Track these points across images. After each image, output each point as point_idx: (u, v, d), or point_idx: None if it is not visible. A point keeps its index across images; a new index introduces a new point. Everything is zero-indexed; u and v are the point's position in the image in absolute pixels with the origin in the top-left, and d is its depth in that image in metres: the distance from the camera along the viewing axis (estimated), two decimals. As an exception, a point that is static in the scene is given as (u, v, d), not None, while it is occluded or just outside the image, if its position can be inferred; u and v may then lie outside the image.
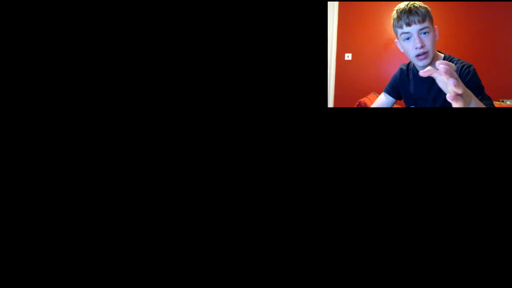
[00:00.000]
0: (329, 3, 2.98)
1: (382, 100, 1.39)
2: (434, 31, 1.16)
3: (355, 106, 2.59)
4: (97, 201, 1.11)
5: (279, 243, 1.11)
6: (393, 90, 1.36)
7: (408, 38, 1.15)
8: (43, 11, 1.10)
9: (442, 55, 1.23)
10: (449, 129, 1.10)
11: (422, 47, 1.13)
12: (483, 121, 1.10)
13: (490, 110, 1.09)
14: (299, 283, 1.10)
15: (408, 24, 1.12)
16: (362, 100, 2.56)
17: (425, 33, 1.13)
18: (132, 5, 1.11)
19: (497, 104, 2.63)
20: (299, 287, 1.10)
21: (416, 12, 1.11)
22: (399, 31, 1.16)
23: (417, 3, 1.14)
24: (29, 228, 1.10)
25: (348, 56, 3.08)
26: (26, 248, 1.10)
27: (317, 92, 1.13)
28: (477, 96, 1.04)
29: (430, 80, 1.21)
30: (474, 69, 1.16)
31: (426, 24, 1.12)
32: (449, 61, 1.19)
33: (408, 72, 1.29)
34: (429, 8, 1.16)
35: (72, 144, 1.11)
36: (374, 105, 1.42)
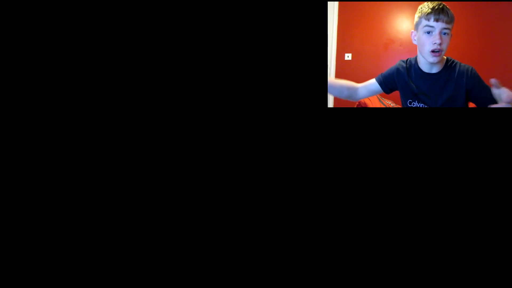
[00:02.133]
0: (329, 3, 2.98)
1: (371, 86, 1.43)
2: (451, 36, 1.24)
3: (355, 106, 2.59)
4: (96, 201, 1.11)
5: (279, 242, 1.11)
6: (387, 84, 1.40)
7: (429, 32, 1.22)
8: (43, 11, 1.10)
9: (445, 57, 1.28)
10: (449, 129, 1.10)
11: (440, 44, 1.21)
12: (483, 121, 1.10)
13: (490, 110, 1.10)
14: (299, 283, 1.10)
15: (437, 20, 1.20)
16: (362, 100, 2.56)
17: (445, 33, 1.21)
18: (132, 5, 1.11)
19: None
20: (299, 287, 1.10)
21: (447, 13, 1.21)
22: (424, 23, 1.23)
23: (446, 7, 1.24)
24: (29, 228, 1.10)
25: (348, 56, 3.08)
26: (26, 248, 1.10)
27: (317, 92, 1.13)
28: (487, 92, 1.15)
29: (434, 78, 1.27)
30: (475, 70, 1.25)
31: (450, 26, 1.22)
32: (452, 63, 1.27)
33: (408, 69, 1.33)
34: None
35: (72, 144, 1.11)
36: (362, 85, 1.43)
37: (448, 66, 1.26)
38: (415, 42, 1.29)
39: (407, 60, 1.36)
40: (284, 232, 1.11)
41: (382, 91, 1.41)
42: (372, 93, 1.44)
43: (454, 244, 1.09)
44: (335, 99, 3.15)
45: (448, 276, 1.09)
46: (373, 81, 1.41)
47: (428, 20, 1.21)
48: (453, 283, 1.09)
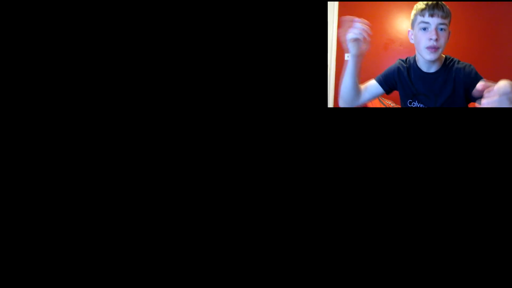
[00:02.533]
0: (329, 3, 2.98)
1: (372, 87, 1.38)
2: (449, 33, 1.21)
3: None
4: (97, 201, 1.11)
5: (279, 243, 1.11)
6: (387, 84, 1.36)
7: (425, 29, 1.19)
8: (43, 11, 1.10)
9: (444, 56, 1.25)
10: (449, 129, 1.10)
11: (436, 40, 1.17)
12: (483, 121, 1.10)
13: (490, 110, 1.09)
14: (299, 283, 1.10)
15: (431, 15, 1.17)
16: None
17: (442, 29, 1.18)
18: (132, 5, 1.11)
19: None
20: (299, 287, 1.10)
21: (442, 8, 1.17)
22: (420, 19, 1.19)
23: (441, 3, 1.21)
24: (29, 228, 1.10)
25: (348, 56, 3.09)
26: (26, 248, 1.10)
27: (317, 92, 1.13)
28: None
29: (432, 78, 1.24)
30: (474, 67, 1.22)
31: (446, 21, 1.18)
32: (450, 61, 1.23)
33: (408, 68, 1.30)
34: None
35: (72, 144, 1.11)
36: (363, 87, 1.39)
37: (447, 64, 1.23)
38: (412, 41, 1.26)
39: (406, 59, 1.33)
40: (285, 232, 1.11)
41: (383, 92, 1.38)
42: (374, 95, 1.39)
43: (454, 244, 1.09)
44: (335, 99, 3.15)
45: (448, 276, 1.09)
46: (373, 82, 1.38)
47: (423, 16, 1.18)
48: (453, 283, 1.08)
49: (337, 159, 1.11)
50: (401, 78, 1.32)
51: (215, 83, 1.12)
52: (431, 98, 1.25)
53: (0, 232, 1.09)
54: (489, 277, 1.08)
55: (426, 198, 1.10)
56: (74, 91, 1.11)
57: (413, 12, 1.23)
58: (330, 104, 3.14)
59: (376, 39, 2.97)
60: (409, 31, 1.27)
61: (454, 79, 1.20)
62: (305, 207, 1.11)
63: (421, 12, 1.19)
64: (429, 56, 1.20)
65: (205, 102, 1.12)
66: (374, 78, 1.38)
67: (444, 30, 1.18)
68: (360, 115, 1.12)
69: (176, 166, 1.11)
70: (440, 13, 1.17)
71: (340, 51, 3.09)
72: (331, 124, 1.11)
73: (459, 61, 1.24)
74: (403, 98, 1.33)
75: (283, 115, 1.12)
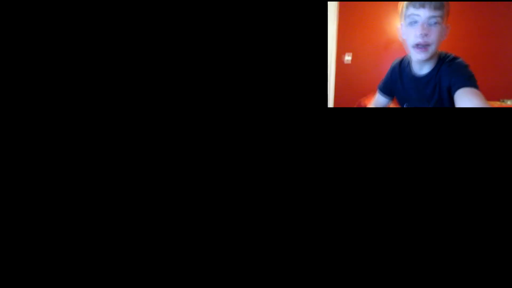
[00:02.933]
0: (329, 3, 2.98)
1: (376, 100, 1.33)
2: (444, 28, 1.06)
3: (355, 106, 2.58)
4: (97, 201, 1.11)
5: (279, 243, 1.11)
6: (386, 89, 1.29)
7: (414, 22, 1.04)
8: (43, 11, 1.10)
9: (439, 53, 1.15)
10: (449, 129, 1.10)
11: (425, 35, 1.02)
12: (483, 121, 1.10)
13: (490, 110, 1.09)
14: (299, 283, 1.10)
15: (422, 6, 1.01)
16: (362, 100, 2.55)
17: (434, 23, 1.02)
18: (132, 5, 1.11)
19: (497, 104, 2.63)
20: (299, 287, 1.10)
21: None
22: (409, 11, 1.04)
23: None
24: (29, 228, 1.10)
25: (348, 56, 3.09)
26: (26, 248, 1.09)
27: (317, 92, 1.13)
28: (473, 84, 0.98)
29: (423, 81, 1.14)
30: (460, 62, 1.10)
31: (438, 13, 1.01)
32: (445, 57, 1.10)
33: (400, 71, 1.21)
34: (449, 6, 1.06)
35: (72, 144, 1.11)
36: (370, 105, 1.39)
37: (441, 63, 1.08)
38: (402, 38, 1.11)
39: (402, 58, 1.21)
40: (284, 232, 1.11)
41: (388, 100, 1.30)
42: (385, 105, 1.31)
43: (452, 244, 1.09)
44: (335, 99, 3.16)
45: (447, 276, 1.09)
46: (377, 94, 1.31)
47: (412, 7, 1.03)
48: (453, 283, 1.08)
49: (337, 159, 1.11)
50: (393, 82, 1.23)
51: (215, 83, 1.12)
52: (424, 104, 1.15)
53: (0, 232, 1.09)
54: (489, 277, 1.08)
55: (426, 198, 1.10)
56: (74, 91, 1.11)
57: (403, 5, 1.08)
58: (330, 104, 3.14)
59: (376, 39, 2.97)
60: (399, 27, 1.13)
61: (440, 80, 1.06)
62: (305, 207, 1.11)
63: (411, 3, 1.03)
64: (418, 55, 1.05)
65: (205, 102, 1.12)
66: (377, 87, 1.32)
67: (438, 23, 1.02)
68: (360, 115, 1.12)
69: (176, 166, 1.11)
70: (433, 4, 1.00)
71: (340, 51, 3.10)
72: (331, 124, 1.11)
73: (454, 57, 1.08)
74: (400, 103, 1.29)
75: (283, 115, 1.12)
